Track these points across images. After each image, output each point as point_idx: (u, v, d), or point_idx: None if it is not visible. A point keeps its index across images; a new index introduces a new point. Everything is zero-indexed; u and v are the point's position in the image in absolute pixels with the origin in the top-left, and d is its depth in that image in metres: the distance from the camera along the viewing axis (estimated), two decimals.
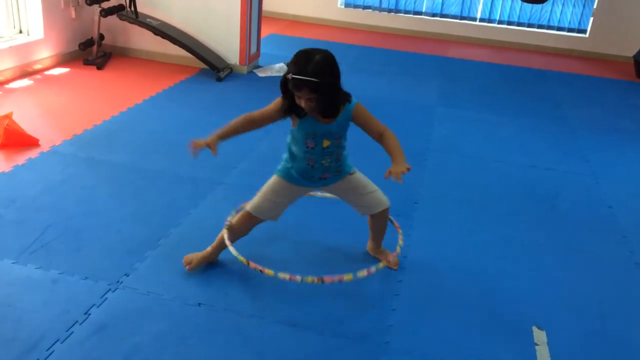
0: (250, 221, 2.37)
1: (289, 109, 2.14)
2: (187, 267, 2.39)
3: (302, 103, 2.05)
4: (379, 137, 2.22)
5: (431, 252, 2.71)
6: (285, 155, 2.32)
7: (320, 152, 2.21)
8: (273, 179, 2.35)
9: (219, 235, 2.40)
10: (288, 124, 2.24)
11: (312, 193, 2.54)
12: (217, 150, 2.18)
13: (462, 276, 2.54)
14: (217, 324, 2.13)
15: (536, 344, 2.14)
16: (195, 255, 2.42)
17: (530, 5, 7.53)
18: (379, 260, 2.54)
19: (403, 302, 2.33)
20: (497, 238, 2.89)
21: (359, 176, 2.39)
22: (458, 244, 2.80)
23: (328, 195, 2.51)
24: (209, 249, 2.43)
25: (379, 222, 2.50)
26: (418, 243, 2.76)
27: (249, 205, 2.35)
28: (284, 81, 2.06)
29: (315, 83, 1.97)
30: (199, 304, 2.22)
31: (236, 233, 2.39)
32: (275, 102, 2.18)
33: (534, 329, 2.22)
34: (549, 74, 6.46)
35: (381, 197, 2.42)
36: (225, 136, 2.22)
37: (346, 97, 2.15)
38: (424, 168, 3.64)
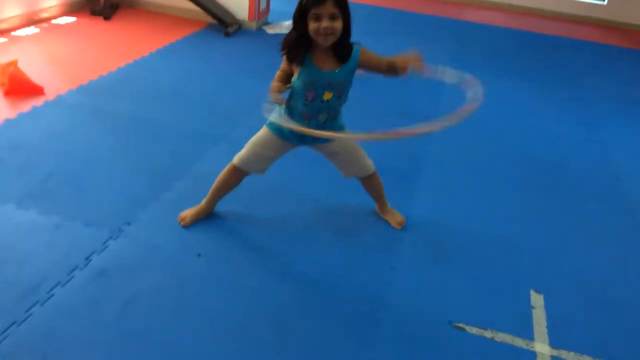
0: (236, 174, 2.33)
1: (297, 43, 2.00)
2: (181, 224, 2.38)
3: (324, 24, 1.91)
4: (392, 68, 2.09)
5: (434, 214, 2.69)
6: (279, 108, 2.21)
7: (319, 105, 2.10)
8: (263, 132, 2.27)
9: (212, 187, 2.39)
10: None
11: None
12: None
13: (464, 238, 2.54)
14: (216, 273, 2.14)
15: (533, 307, 2.15)
16: (190, 211, 2.42)
17: None
18: (386, 221, 2.54)
19: (403, 261, 2.33)
20: (503, 204, 2.87)
21: (348, 139, 2.32)
22: (462, 207, 2.78)
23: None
24: (203, 202, 2.43)
25: (370, 186, 2.49)
26: (421, 205, 2.75)
27: (235, 158, 2.30)
28: (300, 4, 1.94)
29: None
30: (199, 254, 2.23)
31: (223, 186, 2.37)
32: (282, 65, 2.10)
33: (532, 292, 2.23)
34: (564, 42, 6.32)
35: (365, 164, 2.39)
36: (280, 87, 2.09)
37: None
38: (429, 137, 3.58)
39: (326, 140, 2.25)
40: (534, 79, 4.89)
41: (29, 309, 1.88)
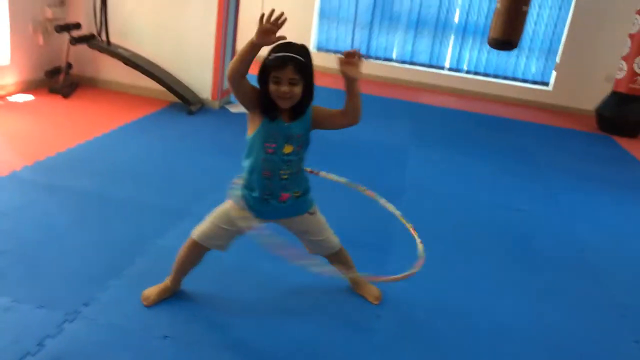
0: (196, 249, 2.20)
1: (263, 103, 1.97)
2: (144, 303, 2.22)
3: (282, 88, 1.90)
4: (343, 114, 2.05)
5: (407, 287, 2.61)
6: (238, 180, 2.15)
7: (280, 159, 2.03)
8: (224, 205, 2.17)
9: (174, 264, 2.26)
10: None
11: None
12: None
13: (437, 311, 2.46)
14: (184, 357, 1.97)
15: None
16: (154, 289, 2.27)
17: (495, 56, 7.78)
18: (362, 296, 2.44)
19: (380, 339, 2.21)
20: (472, 275, 2.83)
21: (318, 218, 2.25)
22: (434, 281, 2.72)
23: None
24: (167, 280, 2.29)
25: (337, 262, 2.38)
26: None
27: (194, 231, 2.18)
28: (263, 66, 1.93)
29: (301, 61, 1.89)
30: (165, 336, 2.06)
31: (184, 263, 2.24)
32: (254, 87, 2.01)
33: None
34: (515, 123, 6.61)
35: (332, 242, 2.31)
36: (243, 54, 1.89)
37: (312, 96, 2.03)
38: (398, 205, 3.56)
39: (292, 211, 2.17)
40: (490, 156, 5.03)
41: None
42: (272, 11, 1.81)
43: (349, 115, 2.05)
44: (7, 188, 3.07)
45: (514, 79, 7.89)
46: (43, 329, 2.00)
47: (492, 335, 2.34)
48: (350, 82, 1.97)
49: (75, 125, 4.29)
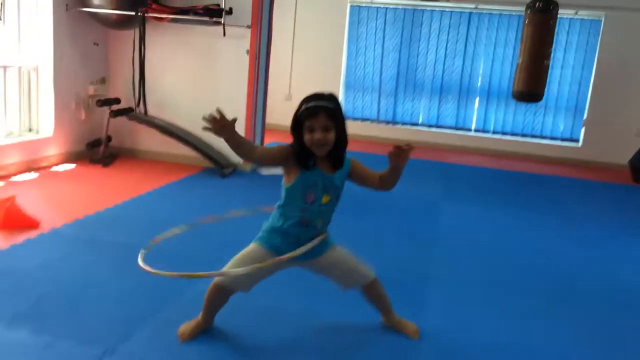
0: (219, 291, 2.20)
1: (299, 154, 2.07)
2: (180, 339, 2.22)
3: (317, 135, 1.99)
4: (380, 180, 2.17)
5: (448, 324, 2.55)
6: (270, 222, 2.20)
7: (318, 209, 2.11)
8: (251, 247, 2.20)
9: (203, 304, 2.26)
10: None
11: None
12: (224, 124, 1.99)
13: (481, 349, 2.37)
14: None
15: None
16: (188, 325, 2.27)
17: (522, 115, 7.86)
18: (400, 331, 2.38)
19: None
20: (514, 312, 2.74)
21: (342, 249, 2.28)
22: (475, 320, 2.64)
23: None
24: (199, 316, 2.29)
25: (373, 295, 2.38)
26: (434, 316, 2.61)
27: (218, 276, 2.18)
28: (296, 117, 2.04)
29: (332, 108, 1.98)
30: None
31: (210, 304, 2.24)
32: (279, 146, 2.13)
33: None
34: (546, 178, 6.56)
35: (363, 271, 2.31)
36: (235, 138, 2.03)
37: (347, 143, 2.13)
38: (433, 253, 3.55)
39: (318, 252, 2.19)
40: (525, 209, 4.96)
41: None
42: (213, 115, 1.96)
43: (385, 185, 2.19)
44: (48, 243, 3.16)
45: (542, 137, 7.91)
46: None
47: None
48: (396, 168, 2.11)
49: (114, 189, 4.43)
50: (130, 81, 5.32)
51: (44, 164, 4.90)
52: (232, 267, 2.16)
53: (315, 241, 2.12)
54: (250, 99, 5.34)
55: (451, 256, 3.49)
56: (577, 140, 7.78)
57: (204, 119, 1.97)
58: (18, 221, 3.32)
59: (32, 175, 4.62)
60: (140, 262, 2.08)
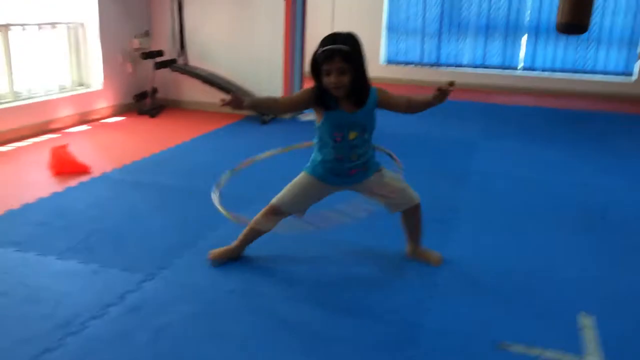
0: (274, 214, 2.35)
1: (319, 96, 2.18)
2: (210, 257, 2.42)
3: (333, 78, 2.08)
4: (407, 105, 2.23)
5: (472, 253, 2.63)
6: (313, 156, 2.35)
7: (348, 145, 2.22)
8: (301, 176, 2.36)
9: (246, 228, 2.42)
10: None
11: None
12: (237, 103, 2.09)
13: (504, 271, 2.45)
14: (250, 305, 2.12)
15: (584, 327, 2.00)
16: (220, 249, 2.45)
17: (573, 52, 7.56)
18: (422, 261, 2.48)
19: (441, 290, 2.25)
20: (544, 241, 2.78)
21: (387, 173, 2.37)
22: (501, 247, 2.71)
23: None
24: (234, 243, 2.46)
25: (412, 220, 2.47)
26: (459, 246, 2.69)
27: (274, 199, 2.35)
28: (314, 61, 2.12)
29: (347, 51, 2.04)
30: (232, 290, 2.22)
31: (257, 227, 2.39)
32: (302, 90, 2.25)
33: (582, 314, 2.09)
34: (595, 115, 6.35)
35: (411, 193, 2.39)
36: (253, 105, 2.22)
37: (370, 83, 2.20)
38: (464, 185, 3.59)
39: (363, 177, 2.32)
40: (567, 144, 4.88)
41: (63, 338, 1.88)
42: (225, 99, 2.07)
43: (410, 109, 2.25)
44: (98, 185, 3.41)
45: (594, 72, 7.60)
46: (125, 286, 2.22)
47: (561, 289, 2.30)
48: (434, 103, 2.16)
49: (160, 138, 4.66)
50: (171, 34, 5.47)
51: (95, 116, 5.18)
52: (285, 193, 2.34)
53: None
54: (287, 45, 5.39)
55: (483, 191, 3.52)
56: (630, 74, 7.44)
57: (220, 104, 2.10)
58: (71, 167, 3.58)
59: (85, 127, 4.91)
60: (217, 204, 2.33)
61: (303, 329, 1.98)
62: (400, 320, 2.04)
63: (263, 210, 2.39)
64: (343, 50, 2.06)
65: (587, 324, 2.02)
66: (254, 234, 2.43)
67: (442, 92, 2.10)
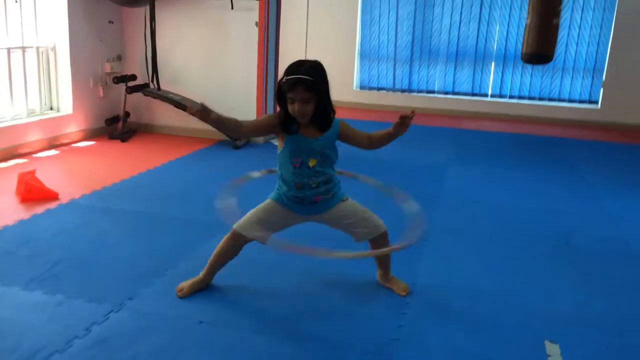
0: (235, 240, 2.34)
1: (284, 121, 2.19)
2: (178, 294, 2.38)
3: (297, 107, 2.11)
4: (369, 141, 2.28)
5: (441, 279, 2.66)
6: (277, 184, 2.36)
7: (307, 172, 2.23)
8: (265, 202, 2.36)
9: (211, 257, 2.41)
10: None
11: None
12: (204, 114, 2.08)
13: (472, 297, 2.48)
14: (218, 338, 2.10)
15: (548, 356, 2.04)
16: (188, 282, 2.42)
17: (539, 79, 7.77)
18: (389, 289, 2.49)
19: (410, 320, 2.26)
20: (510, 266, 2.83)
21: (352, 202, 2.39)
22: (469, 272, 2.75)
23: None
24: (201, 273, 2.44)
25: (380, 248, 2.47)
26: (427, 272, 2.72)
27: (235, 224, 2.33)
28: (278, 88, 2.15)
29: (310, 80, 2.07)
30: (200, 322, 2.19)
31: (222, 255, 2.38)
32: (267, 115, 2.30)
33: (546, 342, 2.13)
34: (562, 141, 6.51)
35: (377, 221, 2.41)
36: (219, 121, 2.14)
37: (334, 109, 2.23)
38: (435, 210, 3.64)
39: (327, 206, 2.32)
40: (534, 169, 4.98)
41: None
42: (195, 108, 2.07)
43: (372, 145, 2.32)
44: (66, 212, 3.36)
45: (560, 99, 7.82)
46: (91, 318, 2.18)
47: (526, 315, 2.33)
48: (395, 135, 2.23)
49: (131, 162, 4.62)
50: (144, 58, 5.47)
51: (65, 140, 5.11)
52: (247, 216, 2.32)
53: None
54: (260, 70, 5.43)
55: (452, 216, 3.57)
56: (596, 102, 7.67)
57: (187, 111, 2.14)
58: (38, 193, 3.52)
59: (54, 152, 4.84)
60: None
61: None
62: (369, 351, 2.04)
63: (225, 237, 2.38)
64: (306, 80, 2.09)
65: (553, 352, 2.06)
66: (219, 261, 2.42)
67: (402, 121, 2.15)
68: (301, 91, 2.09)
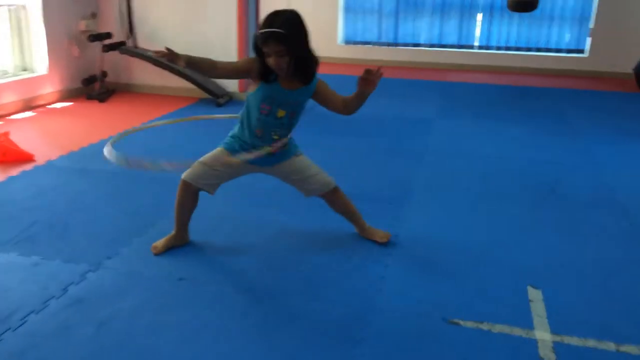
0: (185, 190, 2.28)
1: (264, 70, 2.10)
2: (153, 252, 2.34)
3: (272, 61, 2.03)
4: (343, 104, 2.21)
5: (424, 231, 2.63)
6: (232, 130, 2.29)
7: (273, 121, 2.16)
8: (215, 150, 2.29)
9: (175, 202, 2.34)
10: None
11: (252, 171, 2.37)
12: (173, 56, 2.00)
13: (455, 247, 2.46)
14: (197, 295, 2.06)
15: (530, 301, 2.03)
16: (162, 239, 2.38)
17: (526, 28, 7.65)
18: (370, 239, 2.46)
19: (393, 271, 2.24)
20: (494, 217, 2.81)
21: (304, 158, 2.35)
22: (452, 223, 2.72)
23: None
24: (173, 231, 2.39)
25: (337, 205, 2.46)
26: (410, 224, 2.69)
27: (185, 173, 2.27)
28: (255, 41, 2.07)
29: (282, 34, 1.97)
30: (180, 278, 2.16)
31: (180, 206, 2.32)
32: (246, 58, 2.20)
33: (529, 288, 2.12)
34: (550, 91, 6.45)
35: (326, 178, 2.37)
36: (191, 61, 2.06)
37: (317, 60, 2.15)
38: (418, 164, 3.59)
39: (279, 159, 2.28)
40: (522, 119, 4.94)
41: (0, 334, 1.79)
42: (161, 51, 2.00)
43: (347, 109, 2.21)
44: (42, 173, 3.28)
45: (548, 49, 7.72)
46: (68, 278, 2.14)
47: (510, 263, 2.32)
48: (364, 93, 2.11)
49: (109, 123, 4.51)
50: (119, 15, 5.28)
51: (41, 102, 4.98)
52: (197, 164, 2.26)
53: (269, 148, 2.18)
54: (241, 24, 5.27)
55: (436, 169, 3.53)
56: (582, 51, 7.57)
57: (152, 56, 2.00)
58: (12, 155, 3.43)
59: (30, 113, 4.71)
60: (106, 152, 2.22)
61: (253, 315, 1.94)
62: (352, 302, 2.02)
63: (178, 186, 2.31)
64: (279, 33, 1.99)
65: (535, 297, 2.05)
66: (180, 213, 2.36)
67: (367, 76, 2.05)
68: (274, 45, 2.00)
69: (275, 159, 2.27)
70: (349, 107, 2.21)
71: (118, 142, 2.35)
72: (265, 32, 1.99)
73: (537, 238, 2.58)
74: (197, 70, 2.12)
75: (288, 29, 2.00)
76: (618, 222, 2.77)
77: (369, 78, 2.06)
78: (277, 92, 2.13)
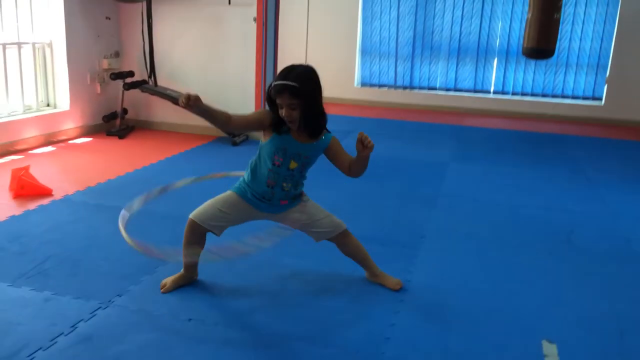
0: (192, 229, 2.29)
1: (276, 121, 2.16)
2: (161, 290, 2.35)
3: (284, 112, 2.08)
4: (349, 167, 2.25)
5: (436, 278, 2.60)
6: (243, 177, 2.32)
7: (285, 173, 2.20)
8: (226, 193, 2.32)
9: (183, 239, 2.35)
10: None
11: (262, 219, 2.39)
12: (196, 100, 2.01)
13: (468, 296, 2.43)
14: (206, 336, 2.05)
15: (545, 356, 1.98)
16: (170, 277, 2.39)
17: (542, 75, 7.69)
18: (381, 285, 2.44)
19: (403, 319, 2.21)
20: (508, 265, 2.77)
21: (312, 204, 2.37)
22: (465, 271, 2.69)
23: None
24: (182, 270, 2.40)
25: (347, 248, 2.44)
26: (423, 270, 2.67)
27: (193, 212, 2.29)
28: (269, 92, 2.12)
29: (296, 87, 2.03)
30: (190, 319, 2.15)
31: (189, 244, 2.33)
32: (259, 111, 2.26)
33: (544, 342, 2.07)
34: (565, 138, 6.44)
35: (335, 221, 2.38)
36: (205, 110, 2.08)
37: (326, 119, 2.20)
38: (432, 209, 3.58)
39: (288, 207, 2.30)
40: (536, 166, 4.92)
41: None
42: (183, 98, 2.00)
43: (352, 172, 2.27)
44: (59, 208, 3.32)
45: (564, 96, 7.73)
46: (78, 315, 2.14)
47: (524, 315, 2.28)
48: (361, 156, 2.16)
49: (128, 159, 4.58)
50: (142, 54, 5.43)
51: (62, 137, 5.08)
52: (204, 206, 2.28)
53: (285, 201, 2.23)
54: (259, 67, 5.37)
55: (449, 214, 3.52)
56: (599, 99, 7.58)
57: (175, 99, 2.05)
58: (31, 190, 3.48)
59: (50, 148, 4.80)
60: (121, 228, 2.22)
61: (262, 358, 1.92)
62: (361, 349, 1.99)
63: (187, 223, 2.32)
64: (293, 86, 2.05)
65: (550, 352, 2.00)
66: (189, 253, 2.35)
67: (362, 141, 2.10)
68: (287, 97, 2.06)
69: (285, 207, 2.30)
70: (352, 171, 2.25)
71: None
72: (280, 84, 2.05)
73: (552, 289, 2.53)
74: (212, 120, 2.14)
75: (302, 84, 2.05)
76: (634, 275, 2.72)
77: (363, 143, 2.10)
78: (290, 143, 2.17)
